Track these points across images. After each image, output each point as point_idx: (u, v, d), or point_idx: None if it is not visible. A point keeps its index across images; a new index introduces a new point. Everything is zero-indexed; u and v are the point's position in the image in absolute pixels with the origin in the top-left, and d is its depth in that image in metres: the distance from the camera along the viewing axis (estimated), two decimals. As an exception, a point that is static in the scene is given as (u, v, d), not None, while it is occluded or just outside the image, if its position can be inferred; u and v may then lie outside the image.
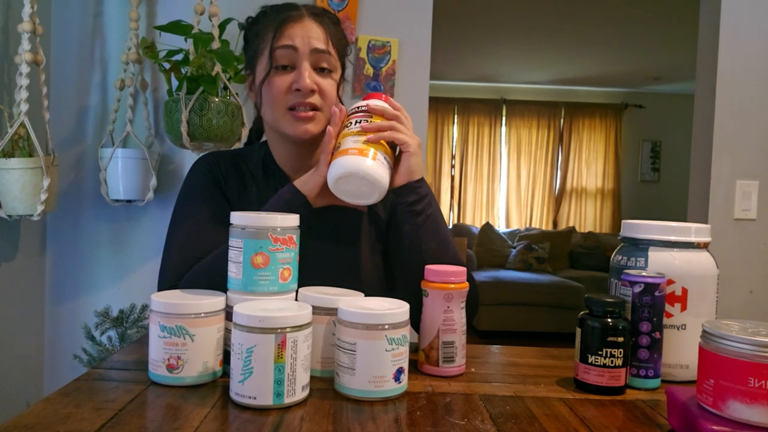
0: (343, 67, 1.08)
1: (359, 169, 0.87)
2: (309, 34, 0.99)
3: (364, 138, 0.90)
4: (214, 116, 1.70)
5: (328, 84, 1.01)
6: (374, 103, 0.95)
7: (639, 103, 6.65)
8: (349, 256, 1.05)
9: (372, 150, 0.89)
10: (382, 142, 0.91)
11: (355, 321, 0.74)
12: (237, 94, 1.80)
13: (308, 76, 0.97)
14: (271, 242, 0.78)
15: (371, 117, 0.94)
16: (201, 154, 1.17)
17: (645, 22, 4.38)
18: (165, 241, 1.04)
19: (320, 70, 1.00)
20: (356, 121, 0.93)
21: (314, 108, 0.99)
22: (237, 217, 0.79)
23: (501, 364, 0.95)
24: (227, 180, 1.07)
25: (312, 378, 0.76)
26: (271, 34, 0.99)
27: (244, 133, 1.79)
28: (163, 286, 0.98)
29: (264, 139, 1.14)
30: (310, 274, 0.89)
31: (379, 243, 1.08)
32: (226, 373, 0.78)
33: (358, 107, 0.96)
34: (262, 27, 1.03)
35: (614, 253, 0.92)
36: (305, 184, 0.95)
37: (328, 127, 0.93)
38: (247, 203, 1.05)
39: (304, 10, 1.02)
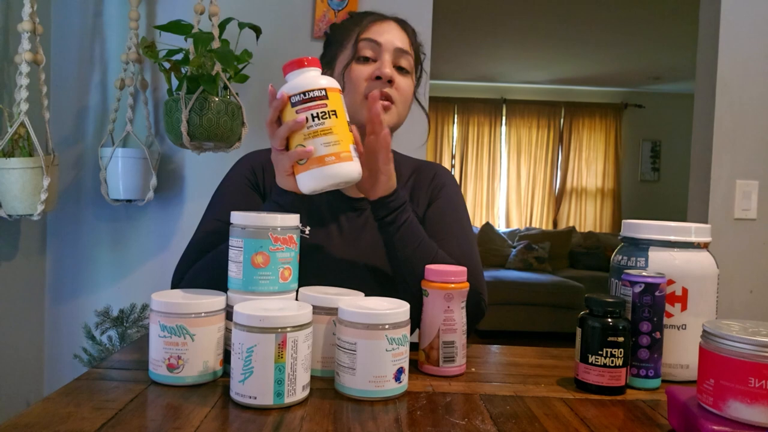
0: (418, 77, 1.11)
1: (342, 177, 0.81)
2: (393, 34, 1.03)
3: (334, 138, 0.80)
4: (214, 116, 1.70)
5: (406, 82, 1.04)
6: (312, 83, 0.81)
7: (639, 102, 6.65)
8: (378, 259, 1.04)
9: (348, 150, 0.81)
10: (352, 131, 0.85)
11: (356, 321, 0.74)
12: (237, 93, 1.80)
13: (388, 66, 1.00)
14: (271, 242, 0.78)
15: (327, 104, 0.81)
16: (199, 153, 1.16)
17: (645, 22, 4.38)
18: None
19: (399, 69, 1.03)
20: (314, 115, 0.80)
21: (389, 99, 1.00)
22: (237, 217, 0.79)
23: (501, 364, 0.95)
24: (269, 180, 1.06)
25: (312, 378, 0.76)
26: (357, 29, 1.03)
27: (244, 133, 1.79)
28: (174, 279, 0.99)
29: None
30: (334, 274, 0.89)
31: None
32: (226, 373, 0.78)
33: (299, 94, 0.81)
34: (347, 26, 1.06)
35: (614, 253, 0.92)
36: (284, 184, 0.89)
37: (268, 120, 0.84)
38: None
39: (389, 16, 1.07)
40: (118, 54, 1.95)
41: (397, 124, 1.05)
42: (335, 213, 1.06)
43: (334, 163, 0.80)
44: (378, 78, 1.00)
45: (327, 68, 1.08)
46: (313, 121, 0.80)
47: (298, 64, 0.83)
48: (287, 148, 0.83)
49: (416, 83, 1.09)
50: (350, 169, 0.81)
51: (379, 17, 1.05)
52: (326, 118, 0.81)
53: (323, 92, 0.81)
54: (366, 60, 1.02)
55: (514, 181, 6.62)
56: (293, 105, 0.81)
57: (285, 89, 0.83)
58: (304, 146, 0.81)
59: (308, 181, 0.82)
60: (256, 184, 1.06)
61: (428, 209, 1.09)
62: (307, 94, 0.81)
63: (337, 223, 1.06)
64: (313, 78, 0.83)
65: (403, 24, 1.07)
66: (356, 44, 1.01)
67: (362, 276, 1.02)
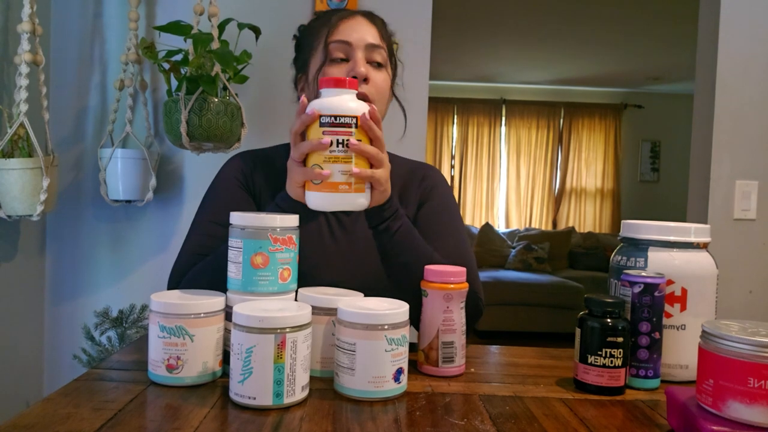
0: (394, 68, 1.10)
1: (351, 206, 0.84)
2: (362, 30, 1.01)
3: (351, 170, 0.81)
4: (213, 116, 1.70)
5: (381, 77, 1.02)
6: (345, 109, 0.82)
7: (638, 103, 6.65)
8: (371, 258, 1.04)
9: (362, 182, 0.83)
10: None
11: (355, 321, 0.74)
12: (236, 94, 1.80)
13: (362, 65, 0.99)
14: (270, 242, 0.78)
15: (354, 133, 0.82)
16: (233, 153, 1.14)
17: (645, 22, 4.38)
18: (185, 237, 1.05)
19: (374, 64, 1.02)
20: (340, 141, 0.81)
21: (366, 98, 0.98)
22: (237, 218, 0.79)
23: (501, 364, 0.95)
24: (259, 181, 1.06)
25: (312, 378, 0.76)
26: (326, 30, 1.02)
27: (244, 134, 1.79)
28: (171, 282, 0.98)
29: None
30: (331, 275, 0.89)
31: None
32: (225, 374, 0.78)
33: (330, 117, 0.81)
34: (315, 27, 1.05)
35: (614, 253, 0.92)
36: (292, 192, 0.90)
37: (294, 130, 0.86)
38: None
39: (356, 11, 1.05)
40: (118, 55, 1.95)
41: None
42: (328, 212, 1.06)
43: (346, 192, 0.82)
44: (353, 78, 0.98)
45: (300, 72, 1.08)
46: (337, 146, 0.81)
47: (337, 83, 0.83)
48: (305, 162, 0.84)
49: (392, 75, 1.08)
50: (360, 200, 0.84)
51: (346, 14, 1.03)
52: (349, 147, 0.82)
53: (354, 120, 0.82)
54: (339, 61, 1.00)
55: (514, 182, 6.62)
56: (321, 125, 0.82)
57: (317, 106, 0.83)
58: (321, 168, 0.82)
59: (317, 201, 0.84)
60: (246, 185, 1.06)
61: (420, 210, 1.09)
62: (338, 118, 0.81)
63: (328, 223, 1.06)
64: (347, 102, 0.83)
65: (371, 17, 1.05)
66: (326, 47, 1.00)
67: (356, 273, 1.02)
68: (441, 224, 1.07)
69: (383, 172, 0.85)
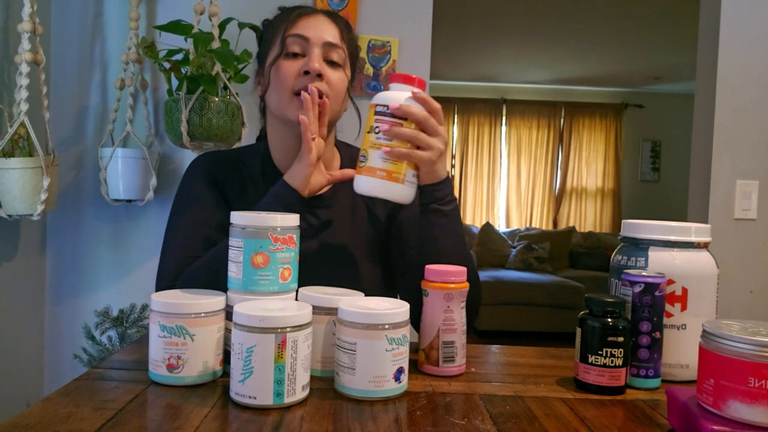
0: (353, 71, 1.09)
1: (388, 194, 0.87)
2: (322, 28, 1.01)
3: (382, 152, 0.86)
4: (214, 116, 1.70)
5: (337, 76, 1.01)
6: (396, 99, 0.87)
7: (639, 102, 6.65)
8: (347, 257, 1.05)
9: (401, 172, 0.86)
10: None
11: (355, 321, 0.74)
12: (237, 93, 1.80)
13: (317, 61, 0.98)
14: (271, 242, 0.78)
15: (396, 120, 0.87)
16: (198, 154, 1.17)
17: (645, 22, 4.38)
18: (163, 242, 1.04)
19: (330, 63, 1.01)
20: (378, 129, 0.86)
21: (320, 95, 0.98)
22: (237, 217, 0.79)
23: (501, 364, 0.95)
24: (226, 180, 1.06)
25: (312, 378, 0.76)
26: (284, 24, 1.01)
27: (244, 133, 1.79)
28: (160, 287, 0.98)
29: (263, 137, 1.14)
30: (307, 273, 0.89)
31: (377, 243, 1.08)
32: (226, 373, 0.78)
33: (382, 106, 0.87)
34: (275, 21, 1.05)
35: (614, 253, 0.92)
36: (293, 177, 0.95)
37: (301, 116, 0.92)
38: (247, 205, 1.05)
39: (319, 10, 1.04)
40: (118, 54, 1.95)
41: (332, 119, 1.03)
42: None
43: (383, 179, 0.86)
44: (306, 73, 0.98)
45: (260, 66, 1.07)
46: (382, 135, 0.86)
47: (404, 79, 0.89)
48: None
49: (351, 77, 1.07)
50: (396, 190, 0.87)
51: (307, 11, 1.03)
52: (384, 134, 0.86)
53: (391, 109, 0.86)
54: (295, 56, 0.99)
55: (514, 181, 6.62)
56: (376, 113, 0.87)
57: (378, 98, 0.88)
58: (366, 151, 0.87)
59: (358, 183, 0.88)
60: (216, 182, 1.05)
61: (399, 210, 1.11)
62: (388, 108, 0.86)
63: (306, 220, 1.04)
64: (400, 96, 0.87)
65: (333, 17, 1.04)
66: (284, 40, 0.99)
67: (334, 268, 1.02)
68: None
69: (428, 154, 0.87)
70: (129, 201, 1.95)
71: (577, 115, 6.64)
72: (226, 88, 1.76)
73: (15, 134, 1.62)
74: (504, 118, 6.62)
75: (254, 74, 1.12)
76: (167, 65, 1.77)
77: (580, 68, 5.87)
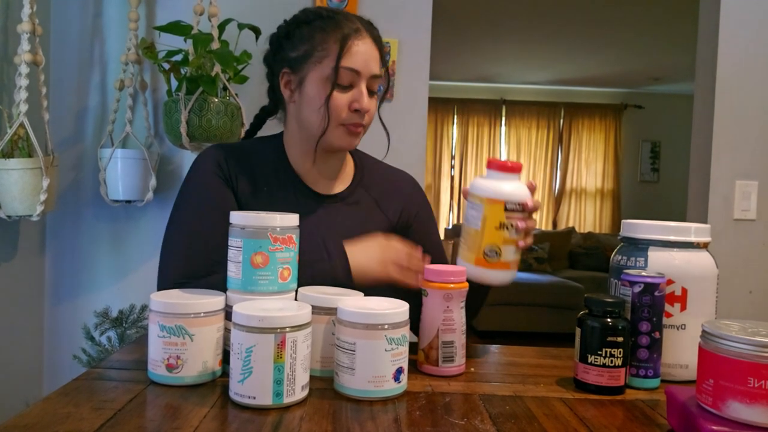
0: (385, 89, 1.14)
1: (512, 279, 0.95)
2: (370, 57, 1.01)
3: (516, 248, 0.92)
4: (213, 117, 1.70)
5: (374, 104, 1.05)
6: (523, 197, 0.89)
7: (638, 103, 6.65)
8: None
9: (517, 259, 0.94)
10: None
11: (355, 321, 0.74)
12: (236, 94, 1.80)
13: (366, 99, 1.01)
14: (270, 242, 0.78)
15: (525, 215, 0.91)
16: (208, 146, 1.14)
17: (645, 22, 4.38)
18: (165, 236, 1.01)
19: (370, 93, 1.03)
20: (513, 225, 0.89)
21: (362, 126, 1.03)
22: (236, 217, 0.79)
23: (501, 364, 0.95)
24: (237, 175, 1.04)
25: (311, 378, 0.76)
26: (336, 47, 0.99)
27: (244, 134, 1.79)
28: (165, 285, 0.95)
29: (273, 134, 1.14)
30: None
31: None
32: (225, 373, 0.78)
33: (514, 204, 0.89)
34: (321, 34, 1.01)
35: (614, 253, 0.92)
36: (361, 269, 0.97)
37: (419, 276, 0.92)
38: (261, 203, 1.03)
39: (359, 23, 1.02)
40: (118, 55, 1.95)
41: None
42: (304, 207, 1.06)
43: (513, 269, 0.93)
44: (356, 111, 1.00)
45: (289, 68, 1.04)
46: (515, 231, 0.89)
47: (513, 168, 0.90)
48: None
49: (379, 101, 1.09)
50: (513, 275, 0.95)
51: (360, 33, 1.00)
52: (519, 231, 0.90)
53: (525, 207, 0.90)
54: (345, 87, 1.00)
55: (514, 182, 6.61)
56: (507, 209, 0.89)
57: (501, 194, 0.88)
58: (499, 247, 0.89)
59: (494, 277, 0.93)
60: (227, 176, 1.03)
61: (413, 223, 1.15)
62: (521, 206, 0.89)
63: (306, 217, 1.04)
64: (522, 192, 0.90)
65: (379, 42, 1.04)
66: (337, 70, 0.98)
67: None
68: (433, 240, 1.17)
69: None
70: (128, 202, 1.95)
71: (577, 115, 6.64)
72: (225, 88, 1.76)
73: (14, 135, 1.62)
74: (503, 118, 6.63)
75: (270, 66, 1.09)
76: (167, 66, 1.77)
77: (579, 69, 5.88)
